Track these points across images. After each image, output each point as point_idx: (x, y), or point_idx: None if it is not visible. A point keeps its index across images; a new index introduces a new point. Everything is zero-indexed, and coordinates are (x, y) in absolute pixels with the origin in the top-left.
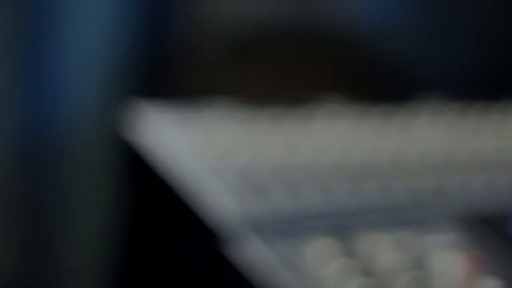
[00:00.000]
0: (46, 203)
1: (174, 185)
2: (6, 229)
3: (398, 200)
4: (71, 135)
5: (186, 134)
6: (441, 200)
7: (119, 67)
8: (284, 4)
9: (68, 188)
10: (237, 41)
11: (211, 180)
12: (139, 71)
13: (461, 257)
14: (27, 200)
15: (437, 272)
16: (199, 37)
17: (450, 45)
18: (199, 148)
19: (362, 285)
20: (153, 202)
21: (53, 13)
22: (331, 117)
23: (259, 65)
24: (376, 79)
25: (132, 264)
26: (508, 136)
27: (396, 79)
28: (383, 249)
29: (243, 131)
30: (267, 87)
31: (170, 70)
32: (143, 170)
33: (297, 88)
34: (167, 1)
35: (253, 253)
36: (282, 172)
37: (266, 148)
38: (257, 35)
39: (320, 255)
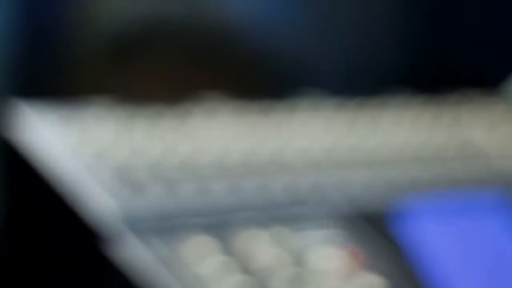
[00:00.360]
0: None
1: (53, 184)
2: None
3: (276, 198)
4: None
5: (65, 133)
6: (320, 197)
7: None
8: (166, 3)
9: None
10: (119, 40)
11: (89, 179)
12: (18, 70)
13: (340, 253)
14: None
15: (316, 268)
16: (80, 35)
17: (330, 42)
18: (78, 147)
19: (240, 282)
20: (32, 201)
21: None
22: (211, 115)
23: (140, 63)
24: (257, 76)
25: (10, 265)
26: (387, 133)
27: (277, 76)
28: (261, 246)
29: (122, 130)
30: (149, 85)
31: (51, 69)
32: (22, 170)
33: (179, 86)
34: None
35: (131, 252)
36: (160, 171)
37: (144, 147)
38: (139, 34)
39: (197, 253)
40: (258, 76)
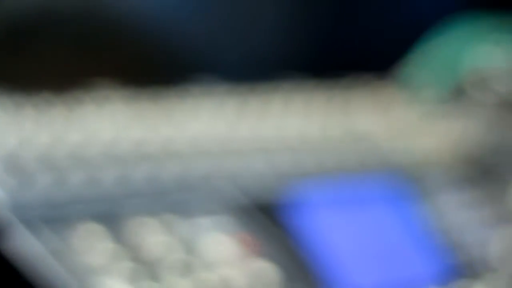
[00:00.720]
0: None
1: None
2: None
3: (167, 186)
4: None
5: None
6: (211, 185)
7: None
8: None
9: None
10: (9, 28)
11: None
12: None
13: (231, 241)
14: None
15: (206, 255)
16: None
17: (221, 28)
18: None
19: (130, 270)
20: None
21: None
22: (101, 103)
23: (29, 51)
24: (148, 63)
25: None
26: (278, 119)
27: (168, 63)
28: (151, 234)
29: (11, 119)
30: (38, 73)
31: None
32: None
33: (69, 74)
34: None
35: (19, 242)
36: (49, 160)
37: (33, 135)
38: (29, 22)
39: (87, 241)
40: (149, 63)
